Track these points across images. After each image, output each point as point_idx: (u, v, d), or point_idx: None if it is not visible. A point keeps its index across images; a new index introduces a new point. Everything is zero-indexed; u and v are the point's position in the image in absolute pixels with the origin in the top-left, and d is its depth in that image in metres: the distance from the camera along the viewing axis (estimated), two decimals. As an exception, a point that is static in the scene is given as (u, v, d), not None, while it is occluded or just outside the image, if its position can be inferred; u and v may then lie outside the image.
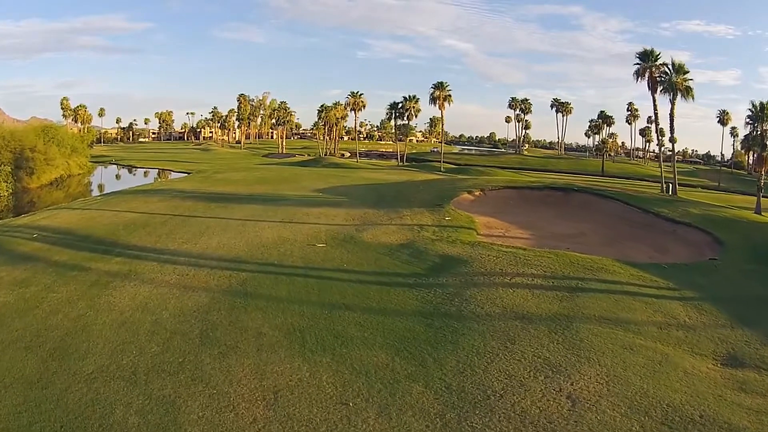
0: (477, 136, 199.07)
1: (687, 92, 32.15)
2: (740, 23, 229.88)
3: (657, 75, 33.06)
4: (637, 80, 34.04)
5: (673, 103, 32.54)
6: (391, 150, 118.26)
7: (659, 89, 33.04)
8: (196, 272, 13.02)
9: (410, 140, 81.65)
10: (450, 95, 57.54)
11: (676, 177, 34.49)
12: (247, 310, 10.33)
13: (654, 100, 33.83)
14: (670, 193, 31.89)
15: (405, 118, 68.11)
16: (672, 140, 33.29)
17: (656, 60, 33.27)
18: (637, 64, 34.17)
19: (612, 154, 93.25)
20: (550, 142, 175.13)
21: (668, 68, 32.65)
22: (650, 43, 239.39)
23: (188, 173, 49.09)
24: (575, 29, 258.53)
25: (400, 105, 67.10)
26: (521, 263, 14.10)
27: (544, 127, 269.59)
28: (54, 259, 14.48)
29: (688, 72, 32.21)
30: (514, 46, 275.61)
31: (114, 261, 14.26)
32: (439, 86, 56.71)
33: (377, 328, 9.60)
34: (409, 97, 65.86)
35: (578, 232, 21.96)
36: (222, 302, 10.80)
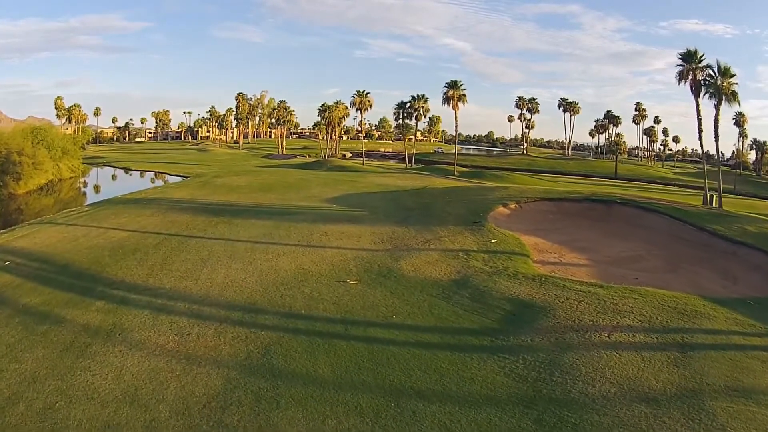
0: (475, 135, 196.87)
1: (733, 97, 29.29)
2: (738, 22, 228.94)
3: (701, 78, 30.18)
4: (680, 83, 30.97)
5: (717, 109, 29.53)
6: (391, 150, 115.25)
7: (703, 93, 30.15)
8: (200, 329, 9.98)
9: (409, 139, 78.23)
10: (464, 95, 54.06)
11: (721, 187, 31.63)
12: (280, 406, 7.28)
13: (697, 105, 30.70)
14: (716, 205, 29.08)
15: (413, 119, 64.86)
16: (717, 149, 30.44)
17: (700, 62, 30.27)
18: (680, 65, 31.02)
19: (624, 155, 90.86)
20: (548, 141, 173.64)
21: (713, 71, 29.73)
22: (648, 42, 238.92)
23: (185, 177, 45.98)
24: (573, 28, 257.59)
25: (408, 104, 63.83)
26: (609, 310, 11.28)
27: (540, 126, 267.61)
28: (23, 303, 11.77)
29: (734, 75, 29.18)
30: (511, 45, 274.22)
31: (95, 307, 11.29)
32: (453, 85, 53.23)
33: (472, 437, 6.63)
34: (418, 96, 62.48)
35: (635, 254, 19.49)
36: (241, 388, 7.77)
